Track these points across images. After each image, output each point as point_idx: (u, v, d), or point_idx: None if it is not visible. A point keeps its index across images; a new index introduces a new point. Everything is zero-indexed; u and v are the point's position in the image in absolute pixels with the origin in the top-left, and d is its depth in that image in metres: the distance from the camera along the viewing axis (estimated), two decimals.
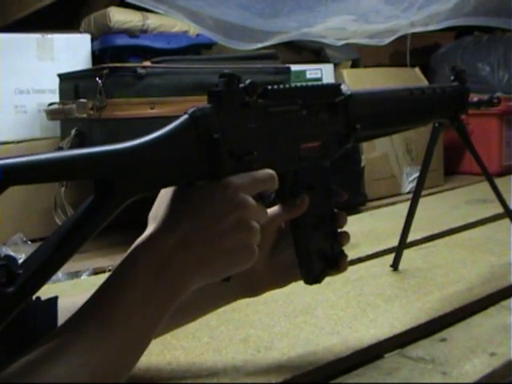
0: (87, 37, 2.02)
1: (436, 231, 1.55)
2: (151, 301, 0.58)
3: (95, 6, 2.17)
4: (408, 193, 2.21)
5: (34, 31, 1.90)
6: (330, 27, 1.84)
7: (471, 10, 1.91)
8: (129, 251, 0.60)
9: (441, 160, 2.44)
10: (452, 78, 1.13)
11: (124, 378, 0.58)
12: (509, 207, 1.20)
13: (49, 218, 1.60)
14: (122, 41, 1.98)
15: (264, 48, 1.87)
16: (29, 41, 1.87)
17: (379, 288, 1.16)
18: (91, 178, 0.54)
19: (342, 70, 2.35)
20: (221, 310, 1.04)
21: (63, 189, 1.57)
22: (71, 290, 1.28)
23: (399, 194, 2.24)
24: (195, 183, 0.61)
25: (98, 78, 1.60)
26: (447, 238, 1.53)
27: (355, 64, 2.52)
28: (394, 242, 1.27)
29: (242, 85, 0.65)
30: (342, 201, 0.81)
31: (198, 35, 2.07)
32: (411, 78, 2.48)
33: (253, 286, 0.81)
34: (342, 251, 0.81)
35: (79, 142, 1.66)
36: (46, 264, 0.52)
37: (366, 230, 1.65)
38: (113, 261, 1.44)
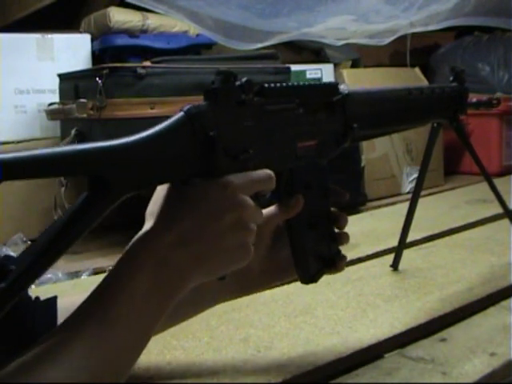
0: (87, 37, 2.02)
1: (436, 231, 1.55)
2: (150, 299, 0.58)
3: (95, 5, 2.17)
4: (408, 193, 2.21)
5: (34, 31, 1.90)
6: (329, 27, 1.84)
7: (471, 9, 1.91)
8: (126, 249, 0.60)
9: (441, 160, 2.44)
10: (451, 78, 1.13)
11: (124, 377, 0.58)
12: (508, 207, 1.20)
13: (49, 218, 1.60)
14: (122, 41, 1.98)
15: (264, 48, 1.87)
16: (29, 41, 1.87)
17: (379, 288, 1.16)
18: (86, 175, 0.54)
19: (342, 70, 2.35)
20: (221, 310, 1.04)
21: (63, 189, 1.57)
22: (71, 289, 1.28)
23: (399, 194, 2.24)
24: (191, 181, 0.61)
25: (98, 78, 1.60)
26: (447, 238, 1.53)
27: (355, 64, 2.52)
28: (394, 242, 1.27)
29: (238, 83, 0.65)
30: (344, 200, 0.81)
31: (198, 35, 2.07)
32: (411, 77, 2.48)
33: (249, 285, 0.81)
34: (339, 251, 0.80)
35: (79, 142, 1.66)
36: (38, 260, 0.51)
37: (366, 230, 1.65)
38: (113, 261, 1.43)
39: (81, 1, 2.26)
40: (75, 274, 1.41)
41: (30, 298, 0.78)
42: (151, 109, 1.59)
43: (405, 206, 1.26)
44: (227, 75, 0.63)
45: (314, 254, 0.78)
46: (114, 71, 1.62)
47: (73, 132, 1.67)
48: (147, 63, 1.73)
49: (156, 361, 0.86)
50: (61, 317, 0.75)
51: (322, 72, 2.32)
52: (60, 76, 1.83)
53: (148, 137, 0.57)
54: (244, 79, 0.65)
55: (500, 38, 2.79)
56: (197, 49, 2.11)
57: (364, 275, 1.25)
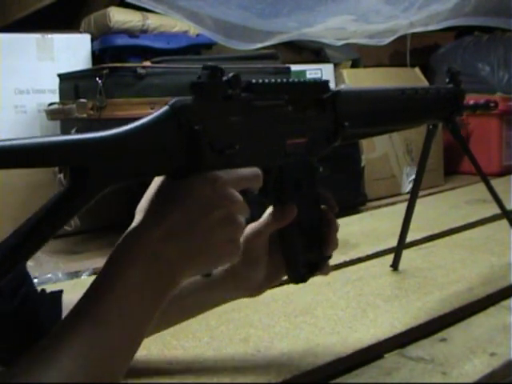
0: (87, 37, 2.02)
1: (436, 231, 1.55)
2: (143, 296, 0.58)
3: (95, 5, 2.17)
4: (408, 193, 2.21)
5: (34, 31, 1.90)
6: (329, 27, 1.84)
7: (471, 10, 1.91)
8: (116, 245, 0.59)
9: (441, 160, 2.44)
10: (447, 79, 1.13)
11: (121, 376, 0.58)
12: (505, 208, 1.20)
13: None
14: (122, 41, 1.98)
15: (264, 48, 1.87)
16: (29, 41, 1.87)
17: (379, 288, 1.16)
18: (66, 165, 0.53)
19: (342, 70, 2.35)
20: (221, 310, 1.04)
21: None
22: (71, 290, 1.27)
23: (399, 194, 2.24)
24: (179, 175, 0.60)
25: (98, 78, 1.60)
26: (447, 238, 1.53)
27: (355, 64, 2.52)
28: (394, 242, 1.27)
29: (225, 78, 0.64)
30: (333, 209, 0.80)
31: (198, 35, 2.07)
32: (411, 78, 2.48)
33: (253, 287, 0.81)
34: (324, 255, 0.79)
35: None
36: (15, 251, 0.50)
37: (366, 230, 1.65)
38: None
39: (81, 1, 2.26)
40: (75, 274, 1.42)
41: (35, 290, 0.78)
42: (151, 109, 1.59)
43: (405, 206, 1.26)
44: (214, 70, 0.63)
45: (303, 254, 0.78)
46: (114, 71, 1.62)
47: (73, 132, 1.67)
48: (147, 63, 1.73)
49: (156, 360, 0.86)
50: (65, 311, 0.75)
51: (322, 72, 2.32)
52: (60, 76, 1.83)
53: (132, 129, 0.57)
54: (231, 74, 0.65)
55: (500, 37, 2.79)
56: (197, 49, 2.11)
57: (364, 275, 1.25)
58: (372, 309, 1.05)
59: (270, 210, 0.77)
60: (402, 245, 1.25)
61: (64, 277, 1.39)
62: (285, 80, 0.74)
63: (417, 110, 1.01)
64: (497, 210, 1.23)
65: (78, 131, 1.67)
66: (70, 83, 1.77)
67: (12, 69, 1.84)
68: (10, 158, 0.50)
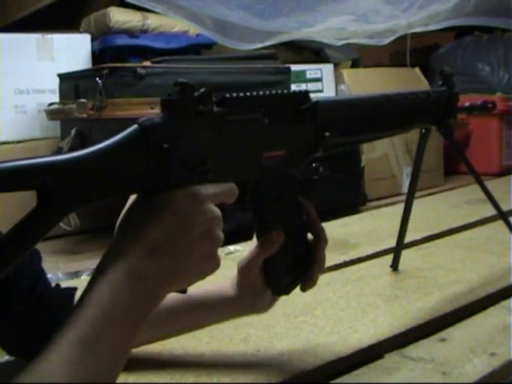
0: (87, 37, 2.02)
1: (436, 231, 1.55)
2: (126, 316, 0.58)
3: (95, 5, 2.17)
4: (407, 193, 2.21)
5: (34, 31, 1.90)
6: (329, 27, 1.85)
7: (471, 10, 1.91)
8: (98, 265, 0.59)
9: (441, 160, 2.44)
10: (440, 82, 1.12)
11: None
12: (502, 209, 1.20)
13: None
14: (122, 41, 1.98)
15: (264, 48, 1.87)
16: (29, 41, 1.87)
17: (379, 288, 1.16)
18: (29, 189, 0.53)
19: (342, 70, 2.35)
20: None
21: None
22: None
23: (399, 194, 2.24)
24: (149, 193, 0.60)
25: (98, 78, 1.61)
26: (447, 238, 1.53)
27: (355, 64, 2.52)
28: (394, 242, 1.27)
29: (196, 93, 0.63)
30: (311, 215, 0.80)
31: (197, 35, 2.07)
32: (411, 78, 2.49)
33: (260, 308, 0.84)
34: (310, 263, 0.79)
35: (79, 142, 1.66)
36: None
37: (366, 230, 1.65)
38: None
39: (81, 1, 2.26)
40: (75, 274, 1.41)
41: (51, 288, 0.79)
42: (151, 109, 1.59)
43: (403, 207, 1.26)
44: (184, 86, 0.62)
45: (283, 265, 0.77)
46: (114, 71, 1.62)
47: (73, 132, 1.67)
48: (147, 63, 1.73)
49: (156, 361, 0.86)
50: None
51: (322, 72, 2.32)
52: (60, 76, 1.83)
53: (97, 150, 0.57)
54: (202, 90, 0.64)
55: (500, 37, 2.79)
56: (197, 49, 2.11)
57: (364, 275, 1.25)
58: (372, 309, 1.05)
59: (255, 242, 0.78)
60: (400, 245, 1.25)
61: (64, 277, 1.39)
62: (261, 92, 0.73)
63: (405, 116, 0.99)
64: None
65: (78, 131, 1.67)
66: (70, 83, 1.77)
67: (12, 69, 1.84)
68: None
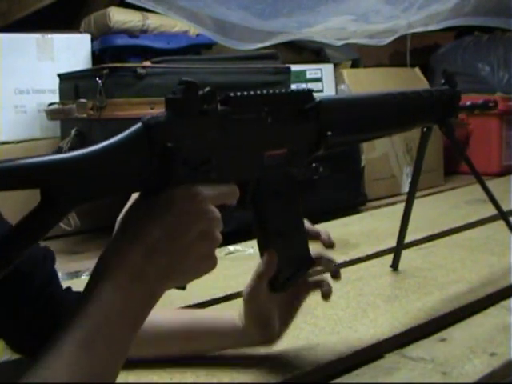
0: (87, 37, 2.02)
1: (436, 231, 1.55)
2: (124, 315, 0.58)
3: (95, 5, 2.17)
4: (407, 193, 2.21)
5: (33, 31, 1.90)
6: (330, 27, 1.85)
7: (471, 10, 1.92)
8: (97, 263, 0.59)
9: (441, 160, 2.44)
10: (442, 81, 1.12)
11: None
12: (502, 209, 1.20)
13: None
14: (122, 41, 1.98)
15: (264, 48, 1.87)
16: (29, 41, 1.87)
17: (379, 288, 1.16)
18: (31, 188, 0.53)
19: (342, 70, 2.35)
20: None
21: None
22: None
23: (399, 194, 2.24)
24: (151, 192, 0.60)
25: (98, 78, 1.61)
26: (447, 238, 1.53)
27: (355, 64, 2.51)
28: (394, 242, 1.27)
29: (200, 92, 0.63)
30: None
31: (198, 35, 2.07)
32: (411, 78, 2.48)
33: (269, 340, 0.84)
34: (311, 258, 0.80)
35: (79, 142, 1.66)
36: None
37: (366, 230, 1.65)
38: None
39: (81, 1, 2.26)
40: (75, 274, 1.41)
41: (62, 291, 0.78)
42: (151, 109, 1.59)
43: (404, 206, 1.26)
44: (189, 85, 0.62)
45: (282, 262, 0.78)
46: (114, 71, 1.62)
47: (73, 132, 1.67)
48: (147, 63, 1.73)
49: (155, 360, 0.86)
50: None
51: (322, 72, 2.32)
52: (60, 76, 1.83)
53: (101, 149, 0.57)
54: (206, 89, 0.64)
55: (500, 37, 2.79)
56: (197, 49, 2.11)
57: (364, 275, 1.25)
58: (372, 309, 1.05)
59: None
60: (401, 245, 1.25)
61: (64, 277, 1.39)
62: (265, 91, 0.73)
63: (408, 115, 0.99)
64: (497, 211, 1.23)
65: (78, 131, 1.67)
66: (70, 83, 1.77)
67: (12, 69, 1.84)
68: None
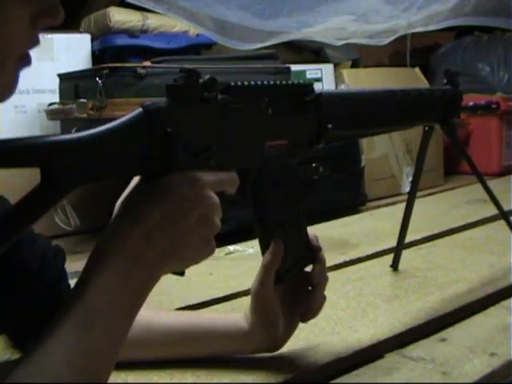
0: (87, 37, 2.02)
1: (436, 231, 1.55)
2: (122, 298, 0.58)
3: (95, 5, 2.17)
4: (408, 193, 2.21)
5: None
6: (329, 27, 1.84)
7: (471, 10, 1.91)
8: (96, 246, 0.60)
9: (441, 160, 2.44)
10: (445, 80, 1.12)
11: (107, 376, 0.58)
12: (503, 209, 1.20)
13: (49, 217, 1.60)
14: (122, 41, 1.98)
15: (264, 48, 1.87)
16: None
17: (379, 288, 1.16)
18: (32, 166, 0.53)
19: (342, 70, 2.35)
20: (221, 310, 1.05)
21: None
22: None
23: (399, 194, 2.24)
24: (152, 177, 0.61)
25: (98, 78, 1.61)
26: (447, 238, 1.53)
27: (355, 64, 2.52)
28: (394, 242, 1.27)
29: (201, 80, 0.64)
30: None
31: (197, 35, 2.07)
32: (411, 78, 2.48)
33: (272, 345, 0.84)
34: (312, 250, 0.80)
35: None
36: None
37: (366, 230, 1.65)
38: None
39: (81, 1, 2.26)
40: (75, 274, 1.40)
41: (69, 286, 0.78)
42: None
43: (404, 206, 1.26)
44: (190, 73, 0.63)
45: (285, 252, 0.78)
46: (114, 71, 1.62)
47: (73, 132, 1.67)
48: (147, 63, 1.73)
49: (156, 361, 0.86)
50: None
51: (322, 72, 2.32)
52: (60, 76, 1.83)
53: (102, 131, 0.58)
54: (207, 77, 0.64)
55: (500, 37, 2.79)
56: (197, 49, 2.11)
57: (364, 275, 1.25)
58: (372, 309, 1.05)
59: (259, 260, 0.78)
60: (401, 245, 1.25)
61: None
62: (265, 82, 0.74)
63: (408, 112, 0.99)
64: (497, 210, 1.23)
65: (78, 131, 1.67)
66: (70, 83, 1.77)
67: None
68: None
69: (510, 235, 1.19)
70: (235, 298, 1.12)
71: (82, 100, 1.65)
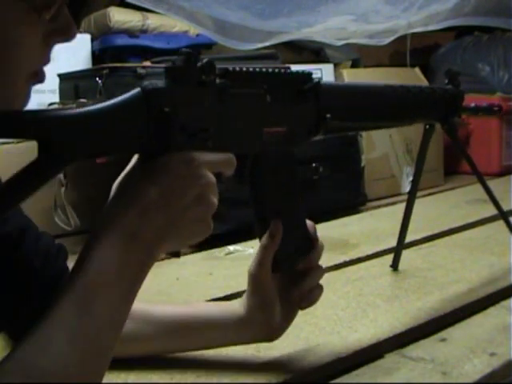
0: (87, 37, 2.02)
1: (436, 231, 1.55)
2: (121, 278, 0.58)
3: (95, 5, 2.17)
4: (408, 193, 2.21)
5: None
6: (329, 27, 1.84)
7: (471, 10, 1.91)
8: (92, 229, 0.60)
9: (441, 160, 2.44)
10: (446, 80, 1.12)
11: (110, 354, 0.58)
12: (503, 209, 1.20)
13: (49, 217, 1.60)
14: (122, 41, 1.98)
15: (264, 48, 1.87)
16: None
17: (379, 288, 1.16)
18: (30, 137, 0.54)
19: (342, 70, 2.35)
20: None
21: (63, 189, 1.57)
22: None
23: (399, 194, 2.24)
24: (149, 155, 0.61)
25: (98, 78, 1.61)
26: (447, 238, 1.53)
27: (355, 64, 2.52)
28: (394, 242, 1.27)
29: (199, 64, 0.64)
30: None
31: (197, 35, 2.07)
32: (411, 78, 2.48)
33: (270, 332, 0.83)
34: (310, 240, 0.80)
35: None
36: None
37: (366, 230, 1.65)
38: None
39: (81, 1, 2.26)
40: None
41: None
42: None
43: (404, 206, 1.26)
44: (189, 55, 0.63)
45: (281, 241, 0.77)
46: (114, 71, 1.62)
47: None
48: (147, 63, 1.73)
49: (156, 361, 0.86)
50: None
51: (322, 72, 2.32)
52: (60, 76, 1.83)
53: (100, 108, 0.57)
54: (205, 60, 0.65)
55: (500, 37, 2.79)
56: (197, 49, 2.11)
57: (364, 275, 1.25)
58: (372, 309, 1.05)
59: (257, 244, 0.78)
60: (401, 245, 1.25)
61: None
62: (264, 69, 0.74)
63: (408, 108, 1.00)
64: (496, 210, 1.23)
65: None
66: (70, 83, 1.77)
67: None
68: None
69: (510, 235, 1.19)
70: (235, 297, 1.12)
71: (82, 100, 1.65)
